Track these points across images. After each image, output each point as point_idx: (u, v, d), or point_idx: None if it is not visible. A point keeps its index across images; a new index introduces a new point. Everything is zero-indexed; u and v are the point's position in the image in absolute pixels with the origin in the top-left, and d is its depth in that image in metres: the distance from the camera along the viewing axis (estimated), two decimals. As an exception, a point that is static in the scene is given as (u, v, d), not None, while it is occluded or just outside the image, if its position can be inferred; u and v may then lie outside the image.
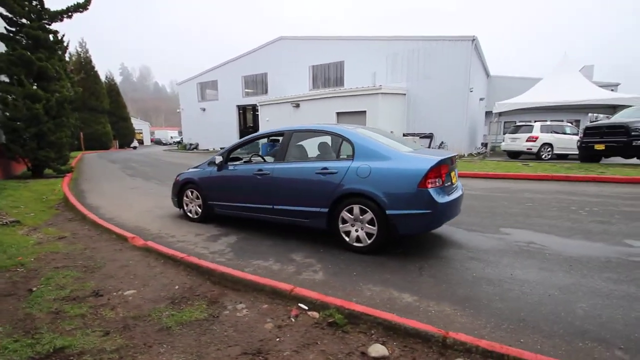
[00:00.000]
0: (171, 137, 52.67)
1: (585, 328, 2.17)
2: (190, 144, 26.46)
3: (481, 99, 22.34)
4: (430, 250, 3.71)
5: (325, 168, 3.76)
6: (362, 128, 4.23)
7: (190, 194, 5.12)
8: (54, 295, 2.59)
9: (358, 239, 3.62)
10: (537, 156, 14.27)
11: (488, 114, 24.84)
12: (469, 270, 3.14)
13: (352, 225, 3.64)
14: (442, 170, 3.42)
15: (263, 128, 19.46)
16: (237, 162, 4.89)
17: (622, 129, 10.14)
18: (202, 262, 3.11)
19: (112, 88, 33.69)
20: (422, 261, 3.37)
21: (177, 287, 2.80)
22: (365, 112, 15.49)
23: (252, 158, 5.03)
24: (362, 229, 3.59)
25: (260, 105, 19.41)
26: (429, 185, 3.28)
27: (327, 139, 4.25)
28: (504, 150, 15.98)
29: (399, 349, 1.90)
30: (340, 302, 2.27)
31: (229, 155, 4.79)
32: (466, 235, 4.21)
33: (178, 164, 15.43)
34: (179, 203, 5.32)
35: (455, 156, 3.88)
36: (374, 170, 3.47)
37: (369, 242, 3.55)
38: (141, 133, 49.88)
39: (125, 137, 35.30)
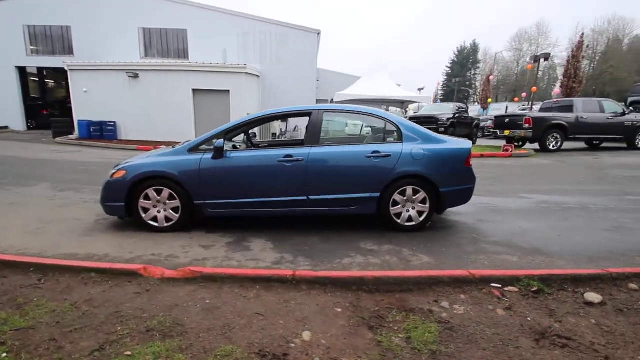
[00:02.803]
0: None
1: (612, 250, 3.32)
2: None
3: (317, 88, 25.00)
4: (442, 220, 4.32)
5: (376, 151, 3.62)
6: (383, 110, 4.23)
7: (155, 194, 3.57)
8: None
9: (409, 219, 3.76)
10: (371, 139, 17.76)
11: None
12: (498, 230, 3.93)
13: (403, 207, 3.74)
14: (469, 150, 4.03)
15: (78, 101, 14.51)
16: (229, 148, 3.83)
17: (433, 119, 14.15)
18: (340, 273, 2.46)
19: None
20: (458, 230, 3.93)
21: (339, 309, 2.16)
22: (228, 91, 14.36)
23: (249, 141, 4.03)
24: (413, 209, 3.75)
25: (71, 69, 14.24)
26: (471, 163, 3.84)
27: (362, 121, 4.01)
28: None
29: (596, 291, 2.39)
30: (525, 272, 2.52)
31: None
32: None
33: None
34: (127, 209, 3.60)
35: None
36: (427, 152, 3.68)
37: (420, 220, 3.77)
38: None
39: None
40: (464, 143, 3.87)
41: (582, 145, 13.34)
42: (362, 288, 2.39)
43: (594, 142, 13.07)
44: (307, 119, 3.81)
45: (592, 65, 49.51)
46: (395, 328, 1.98)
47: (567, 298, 2.34)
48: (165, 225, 3.66)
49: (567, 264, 2.97)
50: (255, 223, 3.97)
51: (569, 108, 12.36)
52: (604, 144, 13.04)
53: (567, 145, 12.22)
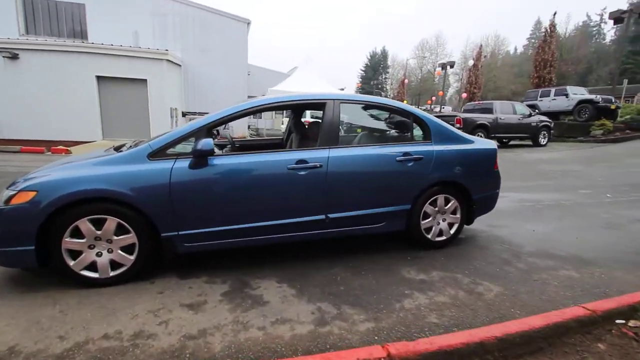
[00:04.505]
0: None
1: (636, 250, 3.22)
2: None
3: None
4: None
5: (407, 153, 2.90)
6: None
7: (92, 226, 2.21)
8: None
9: (439, 233, 3.15)
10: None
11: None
12: (518, 236, 3.59)
13: (434, 219, 3.10)
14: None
15: None
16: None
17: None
18: (446, 340, 1.61)
19: None
20: (483, 241, 3.48)
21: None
22: (146, 81, 12.06)
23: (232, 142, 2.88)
24: (444, 221, 3.15)
25: None
26: (498, 166, 3.40)
27: (383, 114, 3.20)
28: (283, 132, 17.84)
29: None
30: (634, 300, 2.07)
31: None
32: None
33: None
34: (40, 255, 2.17)
35: None
36: (459, 153, 3.11)
37: (451, 233, 3.20)
38: None
39: None
40: (490, 143, 3.43)
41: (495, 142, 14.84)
42: (485, 358, 1.64)
43: (503, 140, 14.69)
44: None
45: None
46: None
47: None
48: (111, 274, 2.32)
49: (624, 274, 2.71)
50: (242, 255, 2.88)
51: (489, 110, 13.62)
52: (511, 142, 14.73)
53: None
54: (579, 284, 2.52)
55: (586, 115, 16.40)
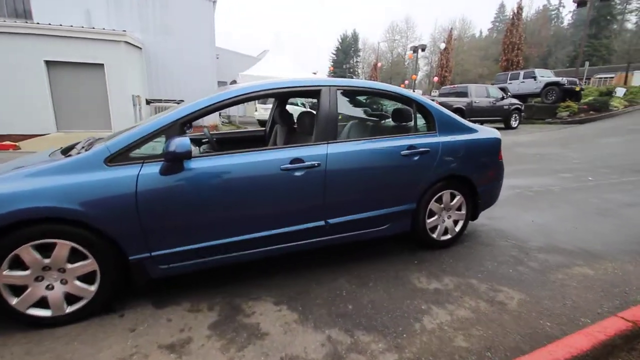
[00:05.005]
0: None
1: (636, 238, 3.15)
2: None
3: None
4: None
5: (412, 147, 2.59)
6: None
7: (38, 254, 1.73)
8: None
9: (445, 231, 2.91)
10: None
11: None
12: (520, 229, 3.43)
13: (439, 217, 2.85)
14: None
15: None
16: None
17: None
18: None
19: None
20: (486, 237, 3.30)
21: None
22: (102, 65, 10.92)
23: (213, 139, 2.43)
24: (449, 218, 2.91)
25: None
26: (502, 156, 3.18)
27: (384, 102, 2.83)
28: (258, 120, 17.11)
29: None
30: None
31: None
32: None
33: None
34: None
35: None
36: (465, 144, 2.84)
37: (456, 230, 2.97)
38: None
39: None
40: (493, 132, 3.19)
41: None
42: None
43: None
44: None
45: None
46: None
47: None
48: (68, 311, 1.86)
49: (636, 267, 2.60)
50: (228, 270, 2.49)
51: (464, 94, 13.65)
52: (484, 125, 14.94)
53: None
54: (597, 283, 2.37)
55: (553, 97, 16.91)
